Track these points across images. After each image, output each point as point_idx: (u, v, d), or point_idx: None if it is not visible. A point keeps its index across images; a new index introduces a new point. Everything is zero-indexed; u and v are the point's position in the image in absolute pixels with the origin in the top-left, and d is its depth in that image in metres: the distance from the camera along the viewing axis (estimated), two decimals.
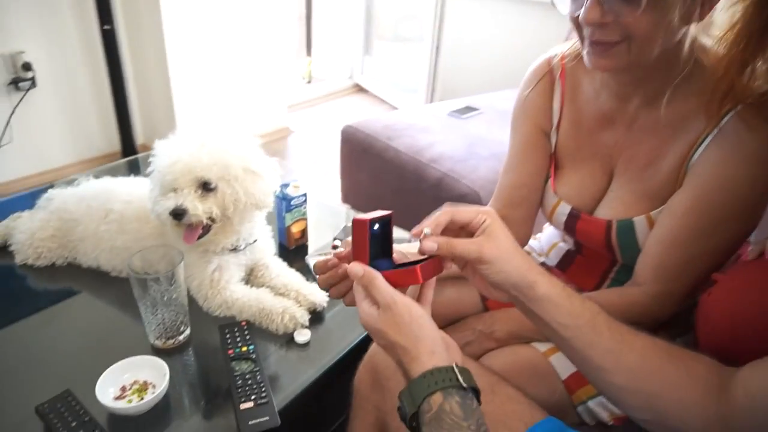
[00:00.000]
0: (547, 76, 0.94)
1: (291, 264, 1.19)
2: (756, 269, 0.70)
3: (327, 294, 1.01)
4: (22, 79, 2.32)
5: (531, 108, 0.96)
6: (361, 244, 0.62)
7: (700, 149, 0.77)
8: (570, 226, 0.93)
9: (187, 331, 0.94)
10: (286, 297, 1.02)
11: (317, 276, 0.70)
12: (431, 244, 0.59)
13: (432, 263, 0.61)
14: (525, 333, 0.88)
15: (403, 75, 3.93)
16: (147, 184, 0.97)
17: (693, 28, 0.74)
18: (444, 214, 0.61)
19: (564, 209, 0.93)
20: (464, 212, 0.61)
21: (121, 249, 1.03)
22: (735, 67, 0.68)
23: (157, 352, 0.91)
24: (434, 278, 0.63)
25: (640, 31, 0.70)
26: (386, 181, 2.09)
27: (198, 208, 0.90)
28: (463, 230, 0.62)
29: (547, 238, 1.09)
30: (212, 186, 0.92)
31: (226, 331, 0.93)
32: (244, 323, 0.95)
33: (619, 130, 0.87)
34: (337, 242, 1.22)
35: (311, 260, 1.16)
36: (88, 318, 1.01)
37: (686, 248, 0.79)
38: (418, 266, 0.60)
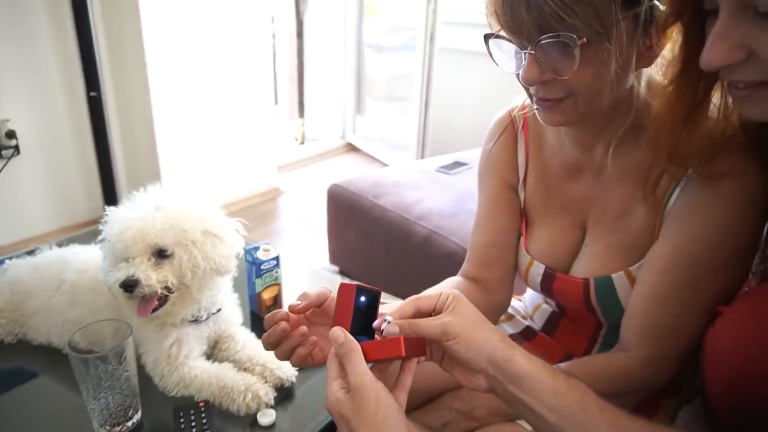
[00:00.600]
0: (509, 128, 0.89)
1: (263, 334, 1.11)
2: (761, 295, 0.63)
3: (296, 369, 0.94)
4: (5, 146, 2.31)
5: (496, 162, 0.91)
6: (345, 311, 0.60)
7: (674, 195, 0.71)
8: (546, 286, 0.86)
9: (138, 416, 0.84)
10: (251, 372, 0.93)
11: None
12: (393, 328, 0.57)
13: (416, 341, 0.58)
14: (508, 409, 0.78)
15: (394, 133, 3.96)
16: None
17: (647, 71, 0.70)
18: (407, 303, 0.60)
19: (538, 269, 0.86)
20: (427, 298, 0.60)
21: (74, 323, 0.94)
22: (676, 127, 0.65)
23: None
24: (414, 363, 0.59)
25: (583, 86, 0.67)
26: (374, 240, 2.02)
27: (151, 277, 0.83)
28: (431, 316, 0.59)
29: (531, 299, 1.01)
30: (168, 252, 0.85)
31: (181, 414, 0.84)
32: (202, 404, 0.86)
33: (587, 180, 0.82)
34: None
35: None
36: (35, 403, 0.91)
37: (673, 305, 0.71)
38: (401, 337, 0.56)
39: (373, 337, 0.61)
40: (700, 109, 0.64)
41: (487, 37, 0.71)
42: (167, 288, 0.85)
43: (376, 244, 2.01)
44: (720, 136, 0.65)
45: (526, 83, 0.70)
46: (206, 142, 2.84)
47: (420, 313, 0.60)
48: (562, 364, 0.78)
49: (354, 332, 0.59)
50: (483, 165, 0.93)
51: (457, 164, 2.35)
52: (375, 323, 0.60)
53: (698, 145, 0.65)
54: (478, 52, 3.45)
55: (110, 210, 0.88)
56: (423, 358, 0.61)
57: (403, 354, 0.56)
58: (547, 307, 0.95)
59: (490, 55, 0.73)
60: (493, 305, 0.92)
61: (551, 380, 0.55)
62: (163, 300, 0.86)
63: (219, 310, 0.97)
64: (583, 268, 0.81)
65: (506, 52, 0.72)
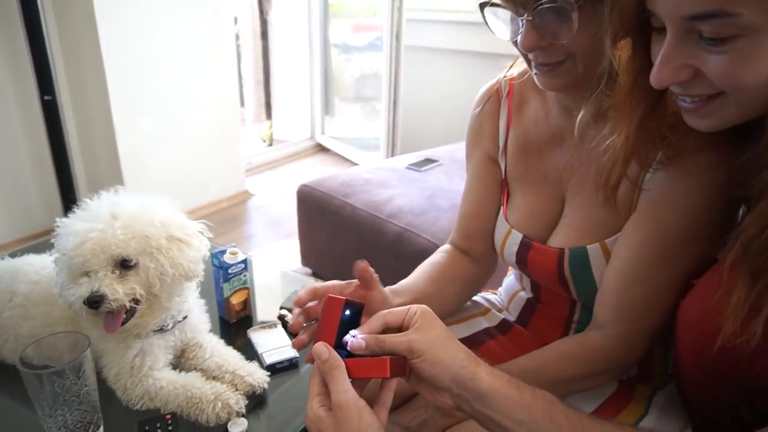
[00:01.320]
0: (494, 97, 0.90)
1: (233, 340, 1.07)
2: (725, 268, 0.63)
3: (267, 375, 0.91)
4: None
5: (478, 133, 0.92)
6: (331, 325, 0.60)
7: (649, 173, 0.71)
8: (521, 257, 0.86)
9: (100, 431, 0.80)
10: (221, 380, 0.89)
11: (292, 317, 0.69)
12: (359, 342, 0.58)
13: (399, 360, 0.57)
14: None
15: (363, 132, 3.93)
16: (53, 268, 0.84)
17: None
18: (376, 318, 0.60)
19: (515, 238, 0.86)
20: (395, 313, 0.60)
21: (28, 337, 0.89)
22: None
23: None
24: (394, 381, 0.59)
25: (581, 48, 0.67)
26: (345, 240, 1.99)
27: (118, 291, 0.77)
28: (399, 331, 0.60)
29: (507, 288, 1.01)
30: (132, 263, 0.80)
31: (146, 428, 0.79)
32: (168, 417, 0.82)
33: (569, 149, 0.81)
34: (284, 312, 1.10)
35: (254, 335, 1.03)
36: None
37: (648, 281, 0.71)
38: (388, 357, 0.56)
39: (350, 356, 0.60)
40: (656, 108, 0.65)
41: (482, 6, 0.71)
42: (135, 300, 0.80)
43: (348, 244, 1.98)
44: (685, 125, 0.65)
45: (525, 50, 0.70)
46: (170, 146, 2.76)
47: (388, 328, 0.60)
48: (536, 351, 0.77)
49: (336, 346, 0.59)
50: (468, 135, 0.95)
51: (428, 161, 2.34)
52: (344, 339, 0.59)
53: (660, 140, 0.66)
54: (445, 49, 3.45)
55: (62, 221, 0.82)
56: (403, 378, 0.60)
57: (388, 375, 0.56)
58: (523, 295, 0.94)
59: (486, 23, 0.73)
60: (480, 274, 0.96)
61: (517, 394, 0.56)
62: (130, 312, 0.82)
63: (185, 317, 0.93)
64: (560, 238, 0.81)
65: (502, 19, 0.72)
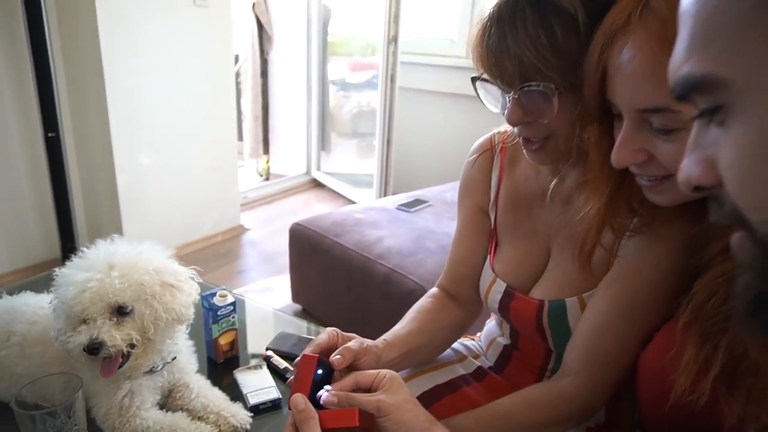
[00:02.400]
0: (488, 152, 0.96)
1: (220, 379, 1.11)
2: (676, 323, 0.70)
3: (251, 416, 0.95)
4: None
5: (471, 185, 0.98)
6: (306, 380, 0.66)
7: (626, 237, 0.77)
8: (504, 305, 0.91)
9: None
10: (206, 420, 0.93)
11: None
12: (332, 398, 0.64)
13: (368, 414, 0.63)
14: None
15: (358, 168, 4.01)
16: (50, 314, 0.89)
17: None
18: (348, 378, 0.67)
19: (500, 287, 0.91)
20: (366, 375, 0.67)
21: (23, 376, 0.93)
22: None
23: None
24: None
25: (562, 127, 0.73)
26: (335, 279, 2.04)
27: (116, 338, 0.82)
28: (368, 391, 0.67)
29: (487, 333, 1.06)
30: (128, 309, 0.85)
31: None
32: None
33: (556, 208, 0.87)
34: (269, 353, 1.14)
35: (239, 375, 1.08)
36: None
37: (616, 333, 0.77)
38: (357, 408, 0.62)
39: (323, 408, 0.65)
40: (625, 183, 0.71)
41: (474, 80, 0.77)
42: (131, 344, 0.85)
43: (338, 283, 2.03)
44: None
45: (511, 124, 0.76)
46: (168, 181, 2.83)
47: (359, 387, 0.67)
48: (506, 397, 0.82)
49: (310, 399, 0.64)
50: (461, 184, 1.00)
51: (418, 201, 2.41)
52: (318, 394, 0.65)
53: (630, 212, 0.73)
54: (438, 92, 3.55)
55: (61, 271, 0.87)
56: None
57: (357, 424, 0.61)
58: (501, 341, 0.99)
59: (477, 95, 0.80)
60: (466, 318, 1.01)
61: None
62: (126, 356, 0.86)
63: (174, 358, 0.97)
64: (542, 290, 0.86)
65: (492, 92, 0.78)
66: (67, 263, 0.88)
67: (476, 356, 1.03)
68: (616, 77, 0.62)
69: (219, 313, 1.10)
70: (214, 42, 2.87)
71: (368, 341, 0.79)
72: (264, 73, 4.14)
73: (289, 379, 0.71)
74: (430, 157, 3.43)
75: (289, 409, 0.64)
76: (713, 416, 0.66)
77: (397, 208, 2.30)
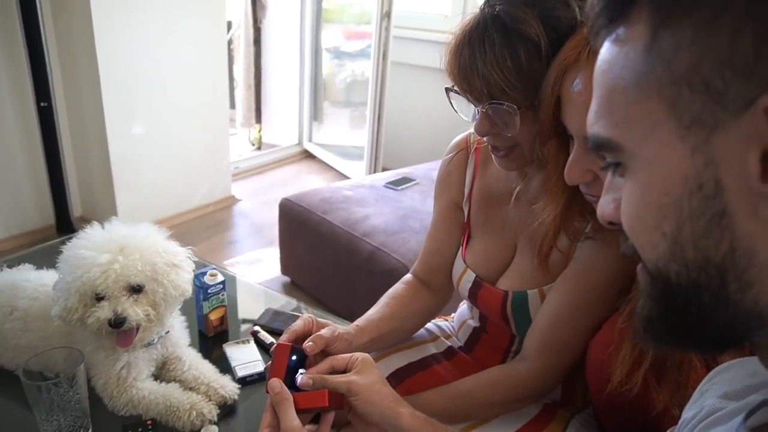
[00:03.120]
0: (463, 151, 1.02)
1: (210, 352, 1.19)
2: (617, 317, 0.80)
3: (239, 387, 1.03)
4: None
5: (447, 180, 1.04)
6: (280, 366, 0.72)
7: (581, 240, 0.84)
8: (473, 293, 0.99)
9: None
10: (197, 391, 1.01)
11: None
12: (307, 380, 0.70)
13: (338, 396, 0.70)
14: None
15: (350, 141, 4.04)
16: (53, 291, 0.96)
17: None
18: (324, 362, 0.74)
19: (470, 277, 0.99)
20: (340, 359, 0.74)
21: (25, 348, 1.00)
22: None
23: None
24: (331, 416, 0.72)
25: (526, 140, 0.80)
26: (322, 254, 2.11)
27: (138, 313, 0.92)
28: (343, 373, 0.73)
29: (459, 315, 1.14)
30: (142, 287, 0.94)
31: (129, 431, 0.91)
32: (149, 422, 0.94)
33: (523, 207, 0.94)
34: (256, 328, 1.22)
35: (228, 349, 1.16)
36: None
37: (570, 324, 0.86)
38: (326, 390, 0.69)
39: (298, 391, 0.73)
40: (578, 194, 0.77)
41: (447, 90, 0.84)
42: (149, 319, 0.94)
43: (325, 259, 2.10)
44: None
45: (478, 135, 0.83)
46: (160, 150, 2.85)
47: (334, 370, 0.73)
48: (469, 377, 0.92)
49: (286, 383, 0.70)
50: (438, 180, 1.07)
51: (405, 179, 2.46)
52: (296, 377, 0.72)
53: (582, 219, 0.81)
54: (431, 68, 3.55)
55: (70, 253, 0.94)
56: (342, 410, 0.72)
57: (327, 404, 0.69)
58: (471, 323, 1.07)
59: (451, 104, 0.86)
60: (437, 304, 1.09)
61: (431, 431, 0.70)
62: (138, 329, 0.95)
63: (167, 332, 1.05)
64: (507, 282, 0.94)
65: (464, 102, 0.85)
66: (71, 243, 0.95)
67: (448, 336, 1.11)
68: (567, 105, 0.68)
69: (209, 291, 1.17)
70: (206, 9, 2.86)
71: (341, 328, 0.86)
72: (257, 41, 4.12)
73: (266, 365, 0.79)
74: (420, 132, 3.47)
75: (267, 392, 0.71)
76: (644, 403, 0.75)
77: (385, 186, 2.36)
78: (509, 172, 0.96)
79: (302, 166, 4.11)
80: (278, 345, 0.75)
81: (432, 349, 1.07)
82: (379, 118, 3.23)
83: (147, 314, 0.93)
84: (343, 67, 4.30)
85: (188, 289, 1.00)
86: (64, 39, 2.53)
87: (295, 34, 4.03)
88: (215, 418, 0.96)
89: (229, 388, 1.02)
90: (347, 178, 3.40)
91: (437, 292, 1.07)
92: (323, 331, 0.79)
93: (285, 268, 2.39)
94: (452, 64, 0.79)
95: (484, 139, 0.85)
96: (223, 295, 1.20)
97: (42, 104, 2.37)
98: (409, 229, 1.95)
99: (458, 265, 1.01)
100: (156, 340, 1.02)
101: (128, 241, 0.94)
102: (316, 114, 4.25)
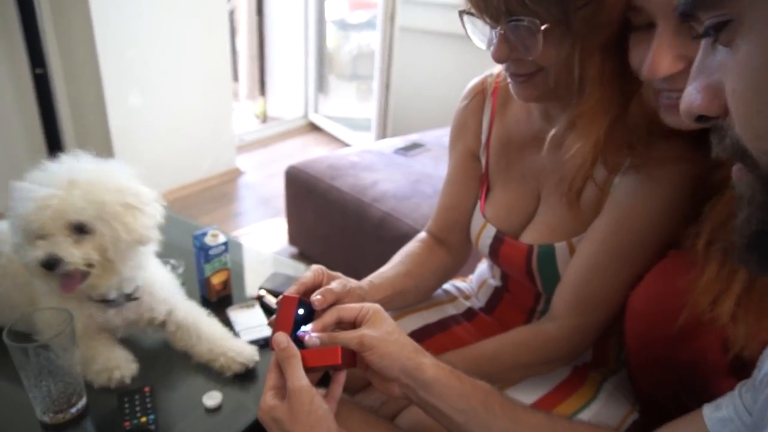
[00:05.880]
0: (480, 94, 0.93)
1: (213, 317, 1.12)
2: (671, 260, 0.71)
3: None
4: None
5: (462, 128, 0.95)
6: (287, 320, 0.65)
7: (619, 175, 0.75)
8: (494, 249, 0.90)
9: (82, 402, 0.85)
10: (214, 365, 0.94)
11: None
12: (314, 340, 0.63)
13: (350, 351, 0.63)
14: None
15: (357, 112, 3.94)
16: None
17: None
18: (330, 313, 0.66)
19: (490, 232, 0.90)
20: (349, 309, 0.66)
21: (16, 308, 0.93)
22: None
23: (46, 428, 0.82)
24: (343, 375, 0.65)
25: (551, 63, 0.70)
26: (331, 222, 2.04)
27: (74, 254, 0.81)
28: (353, 326, 0.66)
29: (478, 275, 1.06)
30: (88, 228, 0.83)
31: (125, 399, 0.85)
32: (146, 389, 0.87)
33: (547, 152, 0.84)
34: (262, 292, 1.15)
35: (232, 313, 1.08)
36: None
37: (605, 277, 0.76)
38: (339, 346, 0.62)
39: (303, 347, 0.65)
40: (623, 117, 0.69)
41: (461, 13, 0.74)
42: (89, 264, 0.84)
43: (333, 226, 2.03)
44: (656, 124, 0.69)
45: (497, 61, 0.73)
46: (162, 122, 2.77)
47: (341, 322, 0.66)
48: (494, 338, 0.83)
49: (292, 339, 0.64)
50: (452, 128, 0.98)
51: (415, 146, 2.37)
52: (299, 333, 0.65)
53: (628, 147, 0.70)
54: (440, 33, 3.44)
55: (19, 184, 0.84)
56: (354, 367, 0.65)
57: (339, 362, 0.61)
58: (492, 283, 0.99)
59: (465, 30, 0.76)
60: (454, 264, 1.01)
61: (458, 384, 0.62)
62: (85, 275, 0.85)
63: (136, 298, 0.94)
64: (532, 235, 0.85)
65: (479, 28, 0.75)
66: (28, 175, 0.85)
67: (467, 297, 1.04)
68: None
69: (210, 252, 1.10)
70: None
71: (353, 282, 0.78)
72: (260, 11, 4.00)
73: (270, 319, 0.70)
74: (429, 99, 3.36)
75: (271, 348, 0.64)
76: (694, 357, 0.66)
77: (394, 152, 2.27)
78: (530, 114, 0.86)
79: (308, 138, 4.02)
80: (284, 297, 0.67)
81: (451, 310, 1.00)
82: (387, 86, 3.12)
83: (88, 258, 0.82)
84: (348, 39, 4.18)
85: (147, 236, 0.88)
86: (58, 3, 2.43)
87: (300, 4, 3.91)
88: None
89: (247, 353, 0.94)
90: None
91: (454, 251, 0.99)
92: (333, 285, 0.71)
93: (292, 239, 2.32)
94: None
95: (503, 67, 0.76)
96: (225, 257, 1.13)
97: (37, 71, 2.27)
98: (421, 194, 1.87)
99: (477, 220, 0.93)
100: (115, 296, 0.91)
101: (79, 176, 0.83)
102: (321, 85, 4.14)
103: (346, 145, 3.69)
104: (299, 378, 0.60)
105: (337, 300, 0.70)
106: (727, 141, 0.32)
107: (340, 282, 0.73)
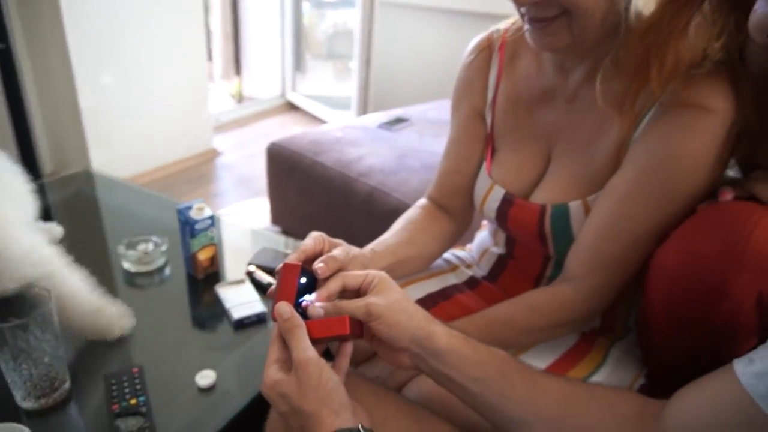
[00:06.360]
0: (486, 51, 0.88)
1: (200, 295, 1.08)
2: (707, 214, 0.65)
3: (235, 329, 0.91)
4: None
5: (467, 87, 0.91)
6: (289, 289, 0.61)
7: (641, 125, 0.70)
8: (502, 212, 0.86)
9: (66, 385, 0.79)
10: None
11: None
12: (318, 310, 0.60)
13: (357, 321, 0.59)
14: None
15: (335, 91, 3.86)
16: None
17: (635, 3, 0.67)
18: (334, 280, 0.62)
19: (497, 194, 0.86)
20: (354, 276, 0.63)
21: None
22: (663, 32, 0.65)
23: (28, 415, 0.76)
24: (350, 347, 0.61)
25: (578, 4, 0.65)
26: (315, 199, 1.98)
27: None
28: (357, 294, 0.62)
29: (479, 243, 1.02)
30: None
31: (113, 381, 0.80)
32: (135, 370, 0.82)
33: (559, 107, 0.81)
34: (252, 268, 1.10)
35: (221, 290, 1.03)
36: None
37: (625, 236, 0.72)
38: (347, 316, 0.58)
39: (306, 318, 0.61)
40: (694, 20, 0.64)
41: None
42: None
43: (318, 203, 1.98)
44: (711, 56, 0.65)
45: (522, 3, 0.68)
46: (135, 102, 2.66)
47: (346, 289, 0.62)
48: (507, 302, 0.80)
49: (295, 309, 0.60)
50: (456, 87, 0.93)
51: (399, 120, 2.32)
52: (303, 303, 0.61)
53: (689, 60, 0.65)
54: (419, 6, 3.37)
55: None
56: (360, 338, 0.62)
57: (348, 332, 0.58)
58: (495, 250, 0.96)
59: None
60: (456, 231, 0.97)
61: (471, 352, 0.58)
62: None
63: None
64: (543, 194, 0.81)
65: None
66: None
67: (469, 266, 1.00)
68: None
69: (196, 227, 1.04)
70: None
71: (355, 249, 0.74)
72: None
73: (269, 290, 0.66)
74: (410, 74, 3.30)
75: (274, 320, 0.60)
76: (731, 304, 0.63)
77: (378, 127, 2.21)
78: (541, 68, 0.82)
79: (286, 117, 3.93)
80: (285, 265, 0.63)
81: (453, 279, 0.96)
82: (367, 62, 3.05)
83: None
84: (323, 18, 4.08)
85: None
86: None
87: None
88: None
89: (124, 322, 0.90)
90: None
91: (456, 218, 0.95)
92: (335, 252, 0.66)
93: (275, 218, 2.26)
94: None
95: (522, 11, 0.71)
96: (212, 231, 1.07)
97: (0, 46, 2.15)
98: (409, 168, 1.82)
99: (483, 182, 0.89)
100: None
101: None
102: (298, 64, 4.05)
103: (326, 123, 3.62)
104: (306, 349, 0.56)
105: (340, 268, 0.66)
106: None
107: (342, 249, 0.68)
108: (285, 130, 3.67)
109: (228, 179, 2.97)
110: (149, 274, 1.11)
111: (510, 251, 0.92)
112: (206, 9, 3.54)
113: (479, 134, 0.90)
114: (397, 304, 0.59)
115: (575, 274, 0.77)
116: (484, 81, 0.88)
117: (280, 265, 0.64)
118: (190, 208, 1.04)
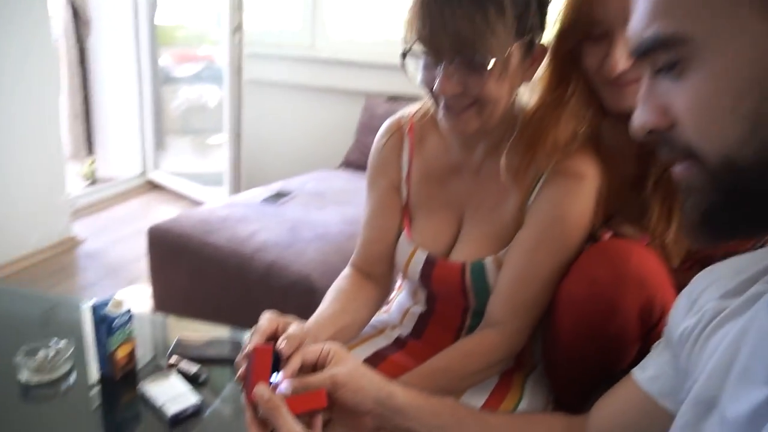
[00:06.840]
0: (397, 133, 1.01)
1: (119, 397, 1.01)
2: (598, 248, 0.85)
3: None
4: None
5: (383, 165, 1.02)
6: (264, 370, 0.64)
7: (535, 192, 0.87)
8: (426, 273, 0.97)
9: None
10: None
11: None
12: (286, 386, 0.62)
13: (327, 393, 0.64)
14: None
15: (198, 167, 3.79)
16: None
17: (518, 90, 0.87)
18: (295, 358, 0.66)
19: (420, 257, 0.97)
20: (312, 351, 0.67)
21: None
22: (546, 119, 0.86)
23: None
24: (321, 420, 0.65)
25: (489, 96, 0.80)
26: (207, 280, 1.94)
27: None
28: (314, 368, 0.67)
29: (398, 306, 1.11)
30: None
31: None
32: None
33: (467, 179, 0.95)
34: (174, 359, 1.07)
35: (148, 387, 0.99)
36: None
37: (536, 280, 0.87)
38: (323, 389, 0.62)
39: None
40: (566, 110, 0.85)
41: (404, 55, 0.81)
42: None
43: (211, 284, 1.93)
44: (579, 135, 0.86)
45: (443, 94, 0.80)
46: None
47: (306, 364, 0.66)
48: (442, 352, 0.89)
49: None
50: (372, 166, 1.03)
51: (281, 195, 2.37)
52: (272, 383, 0.64)
53: (564, 140, 0.85)
54: (287, 84, 3.49)
55: None
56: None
57: (326, 404, 0.62)
58: (416, 310, 1.05)
59: (404, 70, 0.84)
60: (381, 295, 1.05)
61: (426, 404, 0.67)
62: None
63: None
64: (461, 253, 0.94)
65: (417, 65, 0.83)
66: None
67: (393, 327, 1.08)
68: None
69: (114, 324, 1.00)
70: (24, 24, 2.48)
71: (304, 324, 0.79)
72: (82, 63, 3.68)
73: (239, 373, 0.68)
74: (282, 149, 3.38)
75: (248, 403, 0.62)
76: (620, 319, 0.81)
77: (262, 203, 2.25)
78: (448, 147, 0.96)
79: (150, 197, 3.75)
80: (257, 348, 0.66)
81: (382, 342, 1.04)
82: (238, 137, 3.09)
83: None
84: (176, 94, 4.05)
85: None
86: None
87: (130, 56, 3.70)
88: None
89: None
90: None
91: (379, 283, 1.04)
92: (292, 330, 0.70)
93: (160, 304, 2.14)
94: (416, 18, 0.77)
95: (439, 100, 0.84)
96: (129, 326, 1.03)
97: None
98: (303, 240, 1.88)
99: (404, 247, 0.99)
100: None
101: None
102: (158, 142, 3.92)
103: (195, 201, 3.53)
104: (294, 424, 0.59)
105: (299, 344, 0.70)
106: (678, 146, 0.42)
107: (297, 325, 0.73)
108: (151, 210, 3.50)
109: (94, 269, 2.74)
110: (52, 383, 1.02)
111: (431, 307, 1.03)
112: (59, 87, 3.34)
113: (396, 206, 1.02)
114: (356, 371, 0.65)
115: (498, 319, 0.90)
116: (398, 159, 1.01)
117: (250, 347, 0.66)
118: (105, 303, 1.00)
